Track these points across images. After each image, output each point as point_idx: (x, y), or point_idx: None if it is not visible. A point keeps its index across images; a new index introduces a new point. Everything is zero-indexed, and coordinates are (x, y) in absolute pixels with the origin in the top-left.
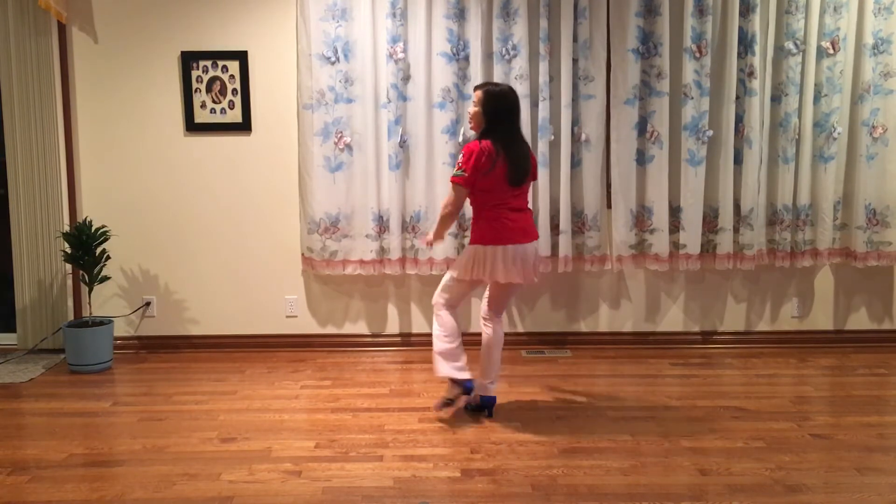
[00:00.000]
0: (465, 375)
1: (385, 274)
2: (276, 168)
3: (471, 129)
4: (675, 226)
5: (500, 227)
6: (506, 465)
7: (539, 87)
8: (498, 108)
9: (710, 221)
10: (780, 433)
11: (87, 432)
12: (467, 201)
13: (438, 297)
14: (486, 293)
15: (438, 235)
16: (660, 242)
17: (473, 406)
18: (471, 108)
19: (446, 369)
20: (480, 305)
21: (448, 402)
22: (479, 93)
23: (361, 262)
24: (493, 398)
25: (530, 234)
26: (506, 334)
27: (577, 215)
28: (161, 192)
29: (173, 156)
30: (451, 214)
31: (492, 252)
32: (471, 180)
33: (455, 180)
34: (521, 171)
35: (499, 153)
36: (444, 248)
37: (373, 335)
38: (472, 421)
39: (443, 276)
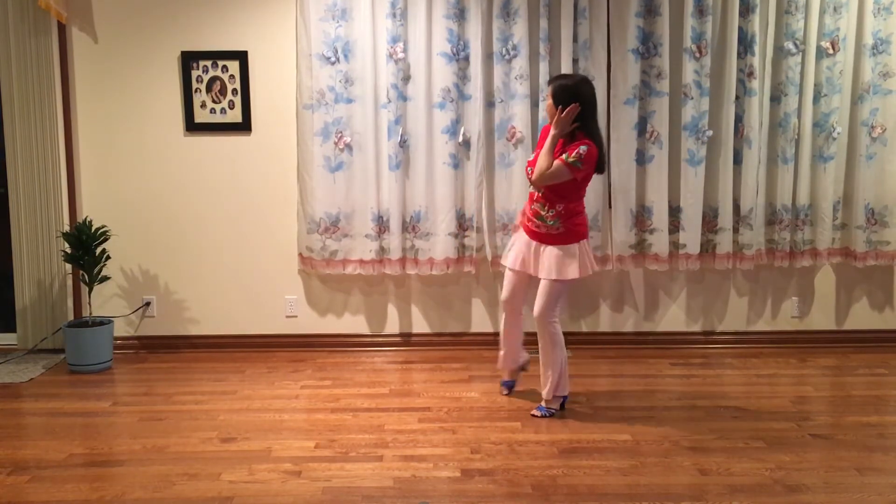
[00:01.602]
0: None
1: (385, 274)
2: (276, 168)
3: (550, 123)
4: (674, 226)
5: (586, 220)
6: (506, 465)
7: (539, 88)
8: (587, 98)
9: (709, 221)
10: (780, 433)
11: (87, 432)
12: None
13: (548, 311)
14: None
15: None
16: (660, 242)
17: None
18: (548, 100)
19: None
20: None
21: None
22: (550, 87)
23: (361, 261)
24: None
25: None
26: None
27: None
28: (161, 192)
29: (173, 156)
30: (540, 179)
31: (586, 245)
32: (579, 177)
33: (569, 167)
34: (604, 161)
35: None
36: (444, 249)
37: (373, 335)
38: (473, 421)
39: (442, 275)
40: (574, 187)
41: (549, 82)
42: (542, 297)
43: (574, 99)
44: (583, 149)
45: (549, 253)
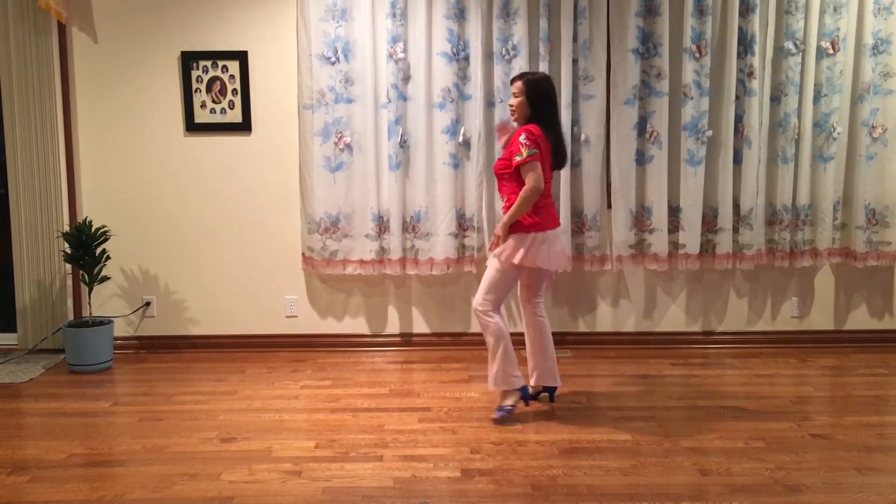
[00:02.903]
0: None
1: (385, 274)
2: (276, 168)
3: (513, 120)
4: (674, 226)
5: (545, 213)
6: (506, 465)
7: None
8: (542, 94)
9: (709, 221)
10: (780, 433)
11: (87, 432)
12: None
13: (483, 300)
14: (518, 288)
15: (512, 220)
16: (659, 242)
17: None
18: (512, 99)
19: (510, 380)
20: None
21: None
22: (519, 83)
23: (361, 261)
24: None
25: (558, 220)
26: None
27: (577, 215)
28: (161, 192)
29: (173, 156)
30: (537, 191)
31: (541, 238)
32: (539, 157)
33: (531, 159)
34: (563, 156)
35: (546, 137)
36: (445, 249)
37: (373, 335)
38: (473, 421)
39: (442, 275)
40: (519, 180)
41: (517, 78)
42: (481, 284)
43: (544, 95)
44: (522, 137)
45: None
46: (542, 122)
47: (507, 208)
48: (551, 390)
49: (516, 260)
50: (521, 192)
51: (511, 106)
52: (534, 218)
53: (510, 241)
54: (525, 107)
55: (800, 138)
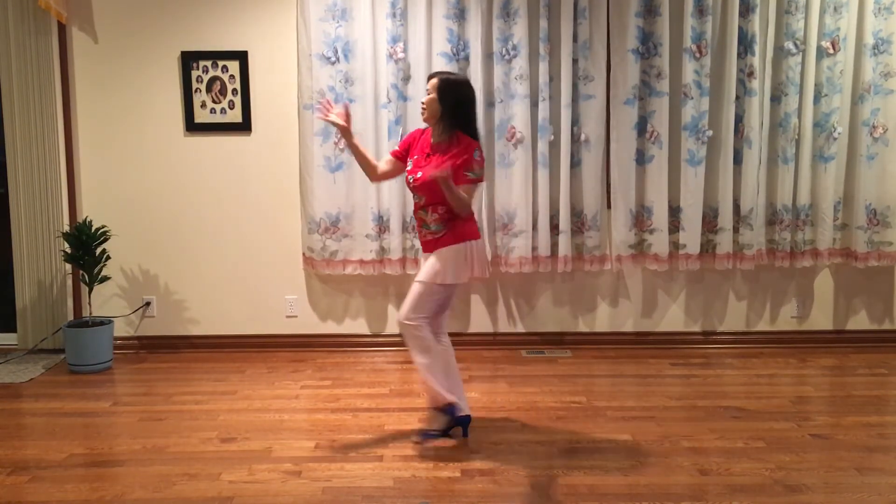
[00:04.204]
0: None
1: (385, 274)
2: (277, 168)
3: (423, 118)
4: (674, 226)
5: (472, 222)
6: (506, 465)
7: (539, 87)
8: (455, 97)
9: (709, 221)
10: (780, 433)
11: (87, 432)
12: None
13: (410, 313)
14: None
15: (454, 195)
16: (659, 242)
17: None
18: (425, 96)
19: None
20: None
21: (434, 435)
22: (434, 80)
23: (361, 261)
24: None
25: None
26: (506, 333)
27: (577, 215)
28: (161, 192)
29: (173, 156)
30: (464, 207)
31: (471, 247)
32: (478, 181)
33: (476, 181)
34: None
35: None
36: None
37: (373, 335)
38: (473, 421)
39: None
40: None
41: (434, 75)
42: (407, 298)
43: (460, 98)
44: (476, 154)
45: (432, 258)
46: (468, 129)
47: (441, 220)
48: (463, 420)
49: (447, 279)
50: (464, 199)
51: (423, 103)
52: (468, 228)
53: (449, 255)
54: (436, 106)
55: (800, 138)
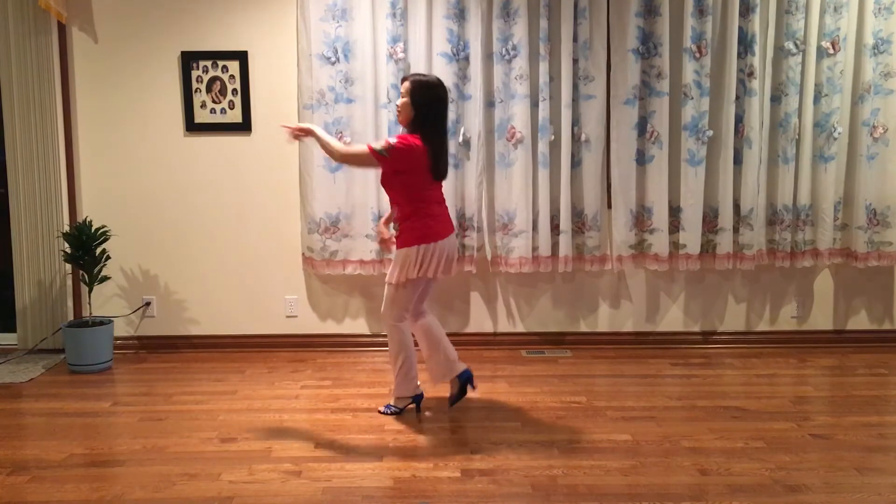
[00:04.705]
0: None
1: (385, 274)
2: (277, 168)
3: (398, 121)
4: (674, 226)
5: (433, 223)
6: (506, 465)
7: (539, 88)
8: (428, 99)
9: (709, 221)
10: (780, 433)
11: (87, 432)
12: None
13: (387, 312)
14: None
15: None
16: (660, 242)
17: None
18: (399, 99)
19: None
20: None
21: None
22: (407, 83)
23: (361, 262)
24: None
25: (452, 226)
26: (506, 333)
27: (578, 215)
28: (161, 192)
29: (173, 156)
30: (339, 159)
31: (423, 250)
32: (389, 168)
33: (375, 155)
34: (444, 166)
35: (426, 146)
36: None
37: (373, 335)
38: (473, 421)
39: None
40: (402, 188)
41: (407, 78)
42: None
43: (431, 100)
44: (392, 139)
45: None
46: (424, 128)
47: (399, 218)
48: (466, 377)
49: (403, 277)
50: (333, 151)
51: (397, 106)
52: (426, 230)
53: (406, 255)
54: (409, 109)
55: (800, 138)
